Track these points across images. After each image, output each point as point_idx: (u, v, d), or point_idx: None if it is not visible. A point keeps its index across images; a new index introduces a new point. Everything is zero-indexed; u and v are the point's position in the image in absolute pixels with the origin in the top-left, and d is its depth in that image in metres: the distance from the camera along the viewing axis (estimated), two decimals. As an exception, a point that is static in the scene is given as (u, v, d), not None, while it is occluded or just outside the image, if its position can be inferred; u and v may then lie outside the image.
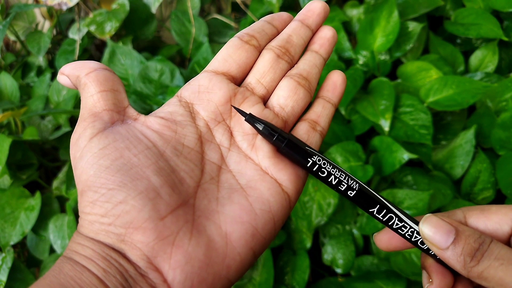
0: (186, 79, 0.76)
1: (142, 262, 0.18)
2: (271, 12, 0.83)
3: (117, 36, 0.88)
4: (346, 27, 0.78)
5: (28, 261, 0.68)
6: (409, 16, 0.71)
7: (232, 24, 0.91)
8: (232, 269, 0.20)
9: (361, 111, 0.64)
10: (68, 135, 0.73)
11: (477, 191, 0.61)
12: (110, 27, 0.80)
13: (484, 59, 0.69)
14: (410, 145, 0.63)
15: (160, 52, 0.88)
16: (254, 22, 0.88)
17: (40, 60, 0.90)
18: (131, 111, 0.22)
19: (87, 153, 0.19)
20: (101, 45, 0.99)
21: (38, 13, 0.98)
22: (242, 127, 0.23)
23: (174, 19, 0.88)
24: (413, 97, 0.64)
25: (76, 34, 0.86)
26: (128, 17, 0.82)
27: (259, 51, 0.25)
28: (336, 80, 0.26)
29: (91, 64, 0.23)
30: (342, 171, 0.22)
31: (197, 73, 0.77)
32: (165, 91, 0.73)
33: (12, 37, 0.95)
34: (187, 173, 0.21)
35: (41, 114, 0.76)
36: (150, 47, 0.92)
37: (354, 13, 0.78)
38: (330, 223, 0.64)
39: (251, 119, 0.22)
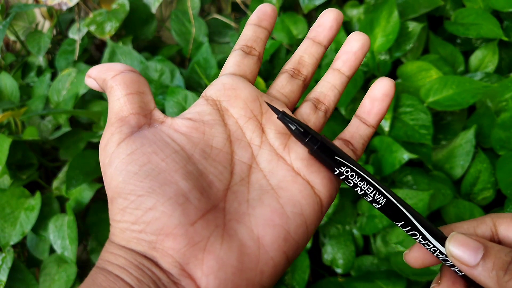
0: (186, 79, 0.76)
1: (174, 269, 0.18)
2: (271, 12, 0.83)
3: (117, 36, 0.88)
4: (346, 27, 0.78)
5: (28, 261, 0.68)
6: (409, 16, 0.71)
7: (232, 24, 0.91)
8: (265, 274, 0.19)
9: (361, 111, 0.64)
10: (68, 135, 0.72)
11: (477, 191, 0.61)
12: (110, 27, 0.80)
13: (484, 59, 0.68)
14: (410, 145, 0.63)
15: (160, 52, 0.88)
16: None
17: (40, 60, 0.90)
18: (158, 114, 0.22)
19: (115, 159, 0.19)
20: (101, 45, 0.99)
21: (38, 13, 0.98)
22: (274, 125, 0.23)
23: (174, 19, 0.88)
24: (413, 97, 0.64)
25: (76, 34, 0.86)
26: (128, 17, 0.82)
27: (260, 60, 0.25)
28: (374, 99, 0.24)
29: (118, 66, 0.22)
30: (370, 184, 0.21)
31: (197, 73, 0.77)
32: (165, 91, 0.73)
33: (12, 37, 0.95)
34: (216, 176, 0.20)
35: (41, 114, 0.76)
36: (150, 47, 0.92)
37: (354, 13, 0.78)
38: (330, 223, 0.64)
39: (284, 117, 0.21)
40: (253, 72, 0.24)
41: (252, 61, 0.24)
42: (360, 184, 0.21)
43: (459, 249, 0.20)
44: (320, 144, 0.21)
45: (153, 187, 0.18)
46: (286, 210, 0.20)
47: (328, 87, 0.25)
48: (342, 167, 0.21)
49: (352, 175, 0.21)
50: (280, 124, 0.23)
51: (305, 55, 0.26)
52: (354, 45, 0.25)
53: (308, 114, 0.24)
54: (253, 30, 0.25)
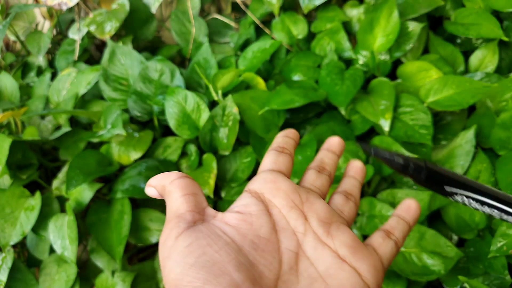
0: (186, 79, 0.76)
1: None
2: (271, 13, 0.83)
3: (117, 36, 0.88)
4: (346, 27, 0.78)
5: (28, 261, 0.68)
6: (409, 16, 0.71)
7: (232, 24, 0.91)
8: None
9: (361, 111, 0.64)
10: (68, 135, 0.72)
11: (477, 191, 0.61)
12: (110, 27, 0.80)
13: (484, 59, 0.68)
14: (410, 145, 0.63)
15: (160, 52, 0.88)
16: (254, 22, 0.88)
17: (40, 60, 0.90)
18: (210, 211, 0.24)
19: (173, 252, 0.20)
20: (101, 45, 0.99)
21: (38, 13, 0.98)
22: (316, 213, 0.24)
23: (174, 19, 0.88)
24: (413, 97, 0.64)
25: (76, 34, 0.86)
26: (128, 17, 0.82)
27: (292, 158, 0.28)
28: (410, 204, 0.28)
29: (174, 174, 0.25)
30: (493, 206, 0.19)
31: (197, 73, 0.77)
32: (165, 91, 0.73)
33: (12, 37, 0.95)
34: (265, 266, 0.21)
35: (41, 114, 0.76)
36: (150, 47, 0.92)
37: (354, 13, 0.78)
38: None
39: (377, 151, 0.21)
40: (288, 168, 0.27)
41: (286, 159, 0.27)
42: (480, 207, 0.20)
43: None
44: (427, 174, 0.20)
45: (208, 278, 0.19)
46: None
47: (351, 184, 0.29)
48: (456, 196, 0.20)
49: (469, 202, 0.20)
50: (321, 211, 0.24)
51: (324, 157, 0.30)
52: (357, 164, 0.30)
53: (342, 205, 0.27)
54: (282, 138, 0.29)
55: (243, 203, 0.24)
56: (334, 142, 0.30)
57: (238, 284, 0.19)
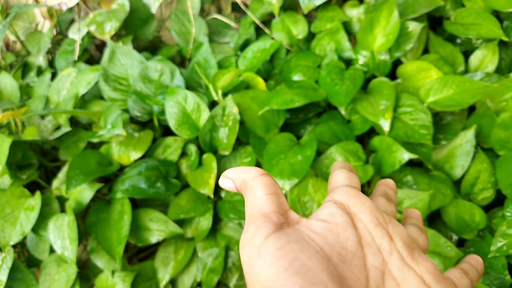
0: (186, 79, 0.76)
1: None
2: (271, 13, 0.83)
3: (117, 36, 0.88)
4: (346, 27, 0.78)
5: (28, 261, 0.68)
6: (409, 16, 0.71)
7: (232, 24, 0.91)
8: None
9: (361, 111, 0.64)
10: (68, 135, 0.73)
11: (477, 191, 0.61)
12: (110, 27, 0.80)
13: (484, 59, 0.68)
14: (410, 145, 0.63)
15: (160, 52, 0.88)
16: (254, 22, 0.88)
17: (40, 60, 0.90)
18: (293, 215, 0.23)
19: (263, 252, 0.20)
20: (101, 45, 0.99)
21: (38, 13, 0.98)
22: (400, 235, 0.24)
23: (174, 19, 0.88)
24: (413, 97, 0.64)
25: (76, 34, 0.86)
26: (128, 17, 0.82)
27: (358, 179, 0.28)
28: (478, 259, 0.27)
29: (256, 170, 0.25)
30: None
31: (197, 73, 0.77)
32: (165, 91, 0.73)
33: (12, 37, 0.95)
34: (353, 281, 0.21)
35: (41, 114, 0.76)
36: (150, 47, 0.92)
37: (354, 13, 0.78)
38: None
39: None
40: (359, 188, 0.26)
41: (356, 178, 0.27)
42: None
43: None
44: None
45: (304, 285, 0.19)
46: None
47: (413, 223, 0.29)
48: None
49: None
50: (405, 235, 0.24)
51: (387, 190, 0.30)
52: (414, 211, 0.30)
53: (417, 235, 0.27)
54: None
55: (329, 211, 0.23)
56: (390, 183, 0.31)
57: None
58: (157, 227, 0.64)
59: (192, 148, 0.69)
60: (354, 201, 0.24)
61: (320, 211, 0.24)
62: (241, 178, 0.24)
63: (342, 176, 0.26)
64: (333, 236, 0.22)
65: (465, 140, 0.61)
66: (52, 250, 0.65)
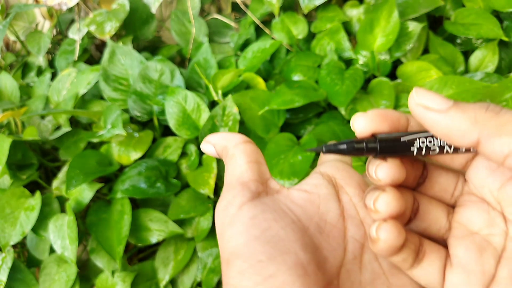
0: (186, 79, 0.76)
1: None
2: (271, 13, 0.83)
3: (117, 36, 0.88)
4: (346, 27, 0.78)
5: (28, 261, 0.68)
6: (409, 16, 0.71)
7: (232, 24, 0.91)
8: None
9: (361, 111, 0.64)
10: (68, 135, 0.72)
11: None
12: (110, 27, 0.80)
13: (484, 59, 0.68)
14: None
15: (160, 52, 0.88)
16: (254, 22, 0.88)
17: (40, 60, 0.90)
18: (274, 183, 0.23)
19: (237, 220, 0.20)
20: (101, 45, 0.99)
21: (38, 13, 0.98)
22: None
23: (174, 19, 0.88)
24: (413, 97, 0.64)
25: (76, 34, 0.86)
26: (128, 17, 0.82)
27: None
28: None
29: (238, 136, 0.24)
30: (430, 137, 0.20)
31: (197, 73, 0.77)
32: (165, 91, 0.73)
33: (12, 37, 0.95)
34: (330, 252, 0.20)
35: (41, 114, 0.76)
36: (150, 47, 0.92)
37: (354, 13, 0.78)
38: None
39: (328, 148, 0.20)
40: (350, 164, 0.25)
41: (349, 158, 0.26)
42: (437, 143, 0.20)
43: (427, 97, 0.18)
44: (380, 145, 0.19)
45: (274, 254, 0.18)
46: None
47: None
48: (414, 144, 0.19)
49: (430, 140, 0.20)
50: None
51: None
52: None
53: None
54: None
55: (314, 182, 0.23)
56: None
57: (303, 264, 0.18)
58: (157, 227, 0.64)
59: (192, 148, 0.69)
60: (342, 175, 0.23)
61: (305, 181, 0.23)
62: (223, 144, 0.24)
63: (332, 155, 0.25)
64: (313, 207, 0.21)
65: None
66: (52, 250, 0.65)
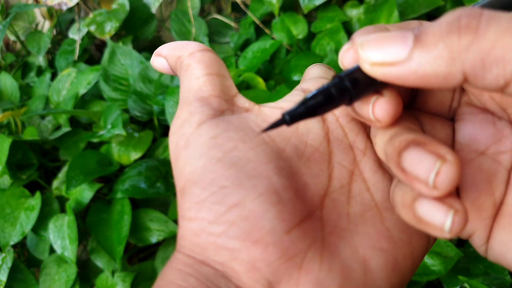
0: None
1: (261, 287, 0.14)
2: (271, 13, 0.83)
3: (117, 36, 0.88)
4: (346, 27, 0.78)
5: (28, 261, 0.68)
6: (409, 16, 0.71)
7: (232, 24, 0.91)
8: None
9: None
10: (68, 135, 0.73)
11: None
12: (110, 27, 0.80)
13: (484, 59, 0.69)
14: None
15: (160, 52, 0.88)
16: (254, 22, 0.88)
17: (40, 60, 0.90)
18: (242, 101, 0.19)
19: (194, 141, 0.16)
20: (101, 45, 0.99)
21: (38, 13, 0.98)
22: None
23: (174, 19, 0.88)
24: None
25: (76, 34, 0.86)
26: (128, 17, 0.82)
27: None
28: None
29: (194, 44, 0.19)
30: None
31: (197, 73, 0.77)
32: (165, 91, 0.73)
33: (12, 37, 0.95)
34: (311, 177, 0.17)
35: (41, 114, 0.76)
36: (150, 47, 0.93)
37: (354, 13, 0.78)
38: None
39: (290, 116, 0.15)
40: None
41: (333, 73, 0.21)
42: None
43: (377, 49, 0.14)
44: (352, 93, 0.15)
45: (240, 179, 0.15)
46: (393, 234, 0.17)
47: None
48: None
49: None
50: None
51: None
52: None
53: None
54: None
55: (293, 99, 0.19)
56: None
57: (277, 190, 0.15)
58: (157, 227, 0.64)
59: (192, 148, 0.69)
60: None
61: (283, 99, 0.19)
62: (176, 54, 0.19)
63: (317, 70, 0.21)
64: (290, 127, 0.18)
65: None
66: (52, 250, 0.65)
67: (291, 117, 0.14)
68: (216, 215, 0.15)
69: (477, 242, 0.17)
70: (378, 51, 0.14)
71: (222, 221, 0.15)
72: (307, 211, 0.16)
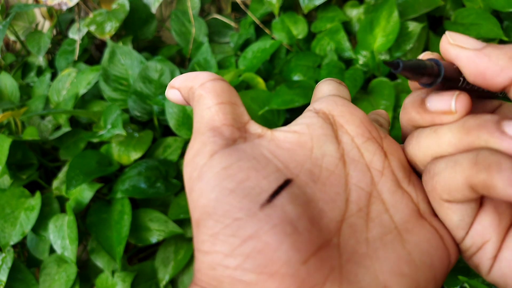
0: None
1: None
2: (271, 13, 0.83)
3: (117, 36, 0.88)
4: (346, 27, 0.78)
5: (28, 261, 0.68)
6: (409, 16, 0.71)
7: (232, 24, 0.91)
8: None
9: (361, 111, 0.64)
10: (68, 135, 0.73)
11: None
12: (110, 27, 0.80)
13: (484, 59, 0.68)
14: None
15: (160, 52, 0.88)
16: (254, 22, 0.88)
17: (40, 60, 0.90)
18: (254, 127, 0.18)
19: (207, 172, 0.16)
20: (101, 45, 0.99)
21: (38, 13, 0.98)
22: (397, 154, 0.19)
23: (174, 19, 0.88)
24: (413, 97, 0.64)
25: (76, 34, 0.86)
26: (128, 17, 0.82)
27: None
28: None
29: (204, 74, 0.19)
30: None
31: (197, 73, 0.77)
32: (165, 91, 0.73)
33: (12, 37, 0.95)
34: (327, 203, 0.17)
35: (41, 114, 0.76)
36: (150, 47, 0.92)
37: (354, 13, 0.78)
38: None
39: (404, 62, 0.16)
40: (349, 100, 0.21)
41: (345, 90, 0.22)
42: None
43: (461, 38, 0.17)
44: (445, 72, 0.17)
45: (253, 210, 0.15)
46: (414, 258, 0.16)
47: None
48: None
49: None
50: (402, 155, 0.19)
51: (378, 118, 0.24)
52: None
53: None
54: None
55: (306, 122, 0.19)
56: (383, 112, 0.25)
57: (293, 220, 0.15)
58: (157, 227, 0.64)
59: (192, 148, 0.69)
60: (341, 111, 0.19)
61: (295, 121, 0.19)
62: (188, 85, 0.19)
63: (328, 87, 0.21)
64: (304, 151, 0.18)
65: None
66: (52, 250, 0.65)
67: (404, 65, 0.16)
68: (231, 248, 0.15)
69: (487, 254, 0.17)
70: (462, 40, 0.17)
71: (237, 254, 0.15)
72: (323, 239, 0.16)
